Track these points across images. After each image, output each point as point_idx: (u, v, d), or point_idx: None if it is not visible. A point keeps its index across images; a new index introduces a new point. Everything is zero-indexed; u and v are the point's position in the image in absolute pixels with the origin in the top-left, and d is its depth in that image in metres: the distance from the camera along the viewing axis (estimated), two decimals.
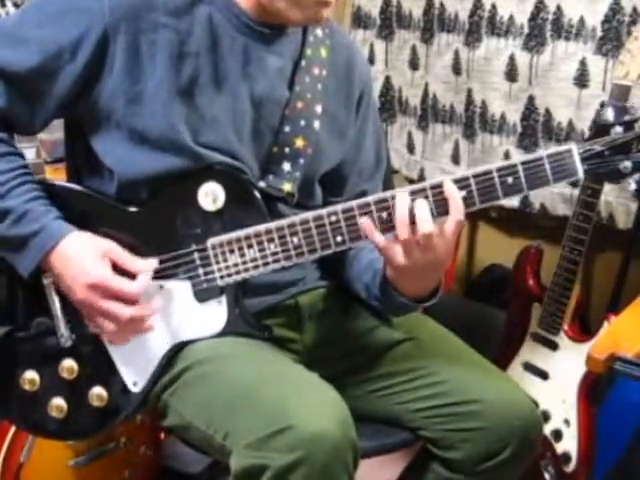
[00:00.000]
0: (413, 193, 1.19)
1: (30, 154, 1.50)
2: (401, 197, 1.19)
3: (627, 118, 1.19)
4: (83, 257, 1.21)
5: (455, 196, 1.18)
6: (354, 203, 1.22)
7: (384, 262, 1.28)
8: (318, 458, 1.10)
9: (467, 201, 1.19)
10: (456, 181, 1.19)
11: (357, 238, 1.23)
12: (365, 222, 1.20)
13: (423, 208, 1.18)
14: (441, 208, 1.19)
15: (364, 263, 1.39)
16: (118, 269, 1.23)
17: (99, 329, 1.25)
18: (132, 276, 1.23)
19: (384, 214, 1.21)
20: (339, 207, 1.22)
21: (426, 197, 1.19)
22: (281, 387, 1.18)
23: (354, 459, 1.15)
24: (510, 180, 1.19)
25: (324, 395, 1.18)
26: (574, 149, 1.19)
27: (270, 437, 1.11)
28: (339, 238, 1.23)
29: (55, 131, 1.42)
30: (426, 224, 1.17)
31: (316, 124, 1.36)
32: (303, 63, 1.35)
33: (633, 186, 1.21)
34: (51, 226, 1.22)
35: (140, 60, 1.23)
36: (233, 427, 1.18)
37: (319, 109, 1.37)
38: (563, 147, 1.19)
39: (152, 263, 1.25)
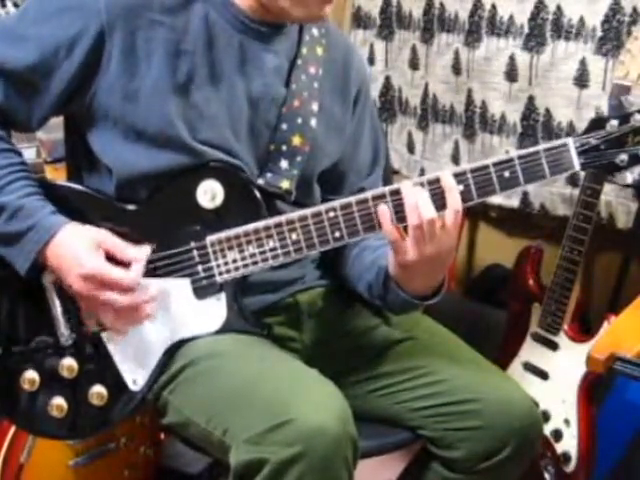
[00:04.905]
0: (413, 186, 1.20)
1: (30, 154, 1.50)
2: (406, 186, 1.20)
3: (622, 112, 1.20)
4: (77, 249, 1.21)
5: (452, 187, 1.19)
6: (352, 199, 1.22)
7: (388, 260, 1.28)
8: (317, 452, 1.10)
9: (464, 195, 1.20)
10: (454, 175, 1.20)
11: (355, 233, 1.23)
12: (382, 210, 1.21)
13: (424, 195, 1.19)
14: (440, 202, 1.19)
15: (367, 262, 1.40)
16: (113, 258, 1.23)
17: (98, 320, 1.26)
18: (127, 265, 1.23)
19: None
20: (337, 203, 1.23)
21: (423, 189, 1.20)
22: (280, 382, 1.18)
23: (354, 454, 1.15)
24: (507, 174, 1.20)
25: (323, 390, 1.18)
26: (570, 143, 1.20)
27: (269, 431, 1.12)
28: (337, 234, 1.23)
29: (55, 131, 1.42)
30: (428, 210, 1.17)
31: (313, 122, 1.36)
32: (299, 62, 1.36)
33: (629, 179, 1.21)
34: (45, 221, 1.22)
35: (136, 58, 1.24)
36: (232, 422, 1.18)
37: (316, 107, 1.37)
38: (559, 141, 1.20)
39: (145, 250, 1.25)
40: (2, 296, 1.28)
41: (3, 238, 1.23)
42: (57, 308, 1.27)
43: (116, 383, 1.29)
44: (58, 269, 1.23)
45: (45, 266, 1.24)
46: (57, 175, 1.67)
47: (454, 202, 1.19)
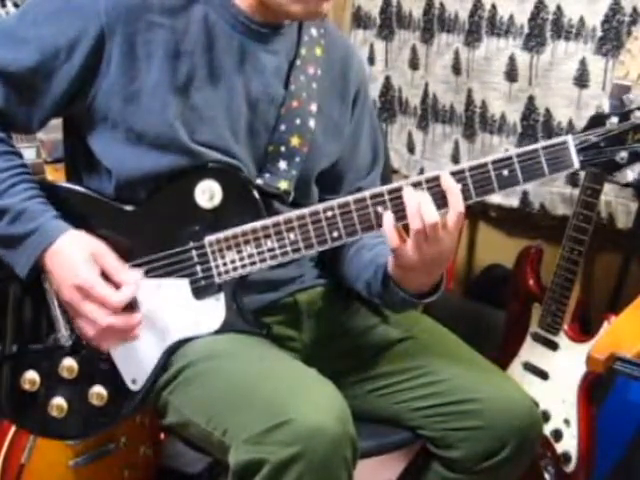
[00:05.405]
0: (412, 186, 1.20)
1: (30, 154, 1.50)
2: (408, 190, 1.19)
3: (623, 109, 1.19)
4: (74, 258, 1.21)
5: (453, 188, 1.18)
6: (350, 198, 1.22)
7: (387, 259, 1.28)
8: (316, 452, 1.10)
9: (463, 194, 1.19)
10: (452, 174, 1.19)
11: (353, 233, 1.23)
12: (387, 215, 1.20)
13: (426, 199, 1.18)
14: (440, 201, 1.19)
15: (365, 260, 1.39)
16: (106, 276, 1.22)
17: (80, 331, 1.26)
18: (117, 286, 1.22)
19: (379, 208, 1.21)
20: (335, 202, 1.23)
21: (423, 190, 1.19)
22: (280, 382, 1.18)
23: (353, 454, 1.15)
24: (506, 172, 1.19)
25: (322, 390, 1.18)
26: (570, 140, 1.19)
27: (269, 432, 1.12)
28: (335, 233, 1.23)
29: (55, 131, 1.43)
30: (431, 214, 1.17)
31: (311, 123, 1.36)
32: (298, 62, 1.36)
33: (630, 177, 1.20)
34: (47, 225, 1.22)
35: (136, 60, 1.24)
36: (232, 422, 1.18)
37: (314, 108, 1.37)
38: (558, 138, 1.19)
39: (137, 275, 1.25)
40: (2, 297, 1.28)
41: (5, 240, 1.23)
42: (57, 309, 1.27)
43: (116, 383, 1.29)
44: (52, 274, 1.23)
45: (43, 270, 1.24)
46: (57, 175, 1.67)
47: (456, 203, 1.18)
